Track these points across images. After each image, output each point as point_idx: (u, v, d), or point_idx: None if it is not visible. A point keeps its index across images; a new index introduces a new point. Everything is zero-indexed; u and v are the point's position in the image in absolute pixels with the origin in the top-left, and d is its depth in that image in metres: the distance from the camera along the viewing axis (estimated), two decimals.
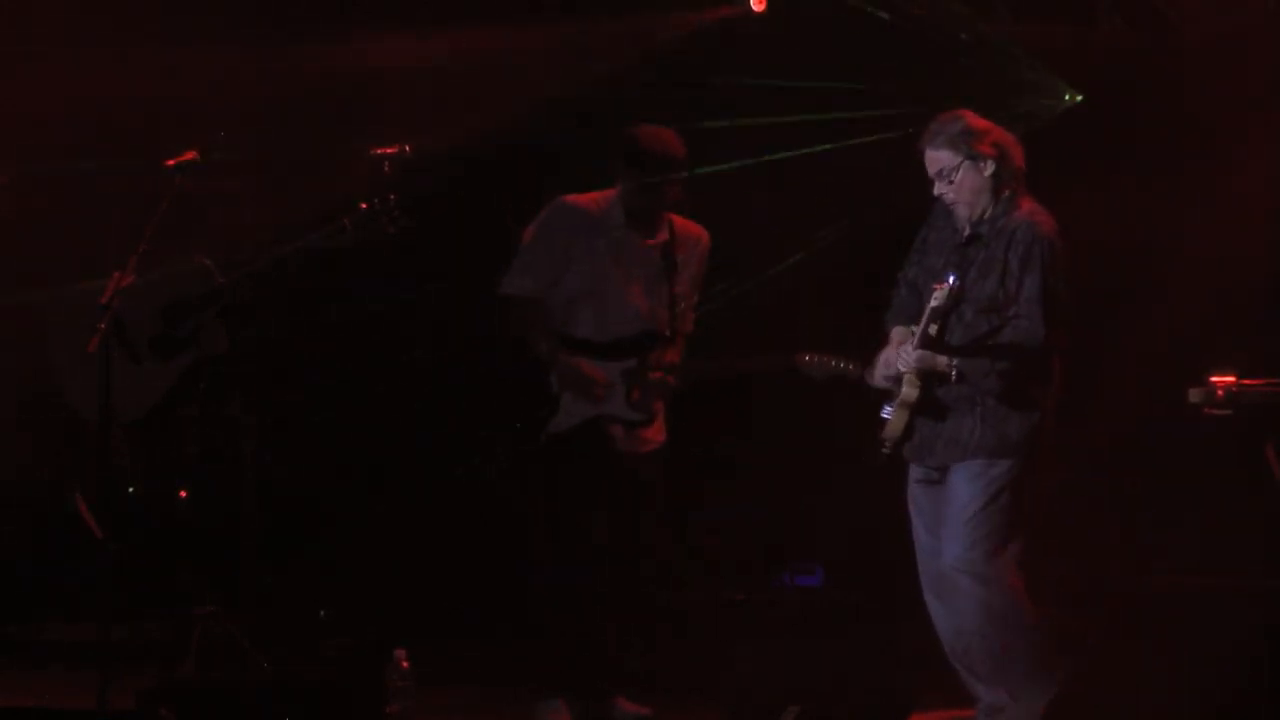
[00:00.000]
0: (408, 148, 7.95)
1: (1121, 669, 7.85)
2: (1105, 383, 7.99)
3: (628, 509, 8.01)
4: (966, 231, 7.21)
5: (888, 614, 8.66)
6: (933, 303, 7.05)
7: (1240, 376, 7.72)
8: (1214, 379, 7.76)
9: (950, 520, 7.17)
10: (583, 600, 7.96)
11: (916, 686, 7.80)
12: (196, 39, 9.62)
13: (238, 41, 9.67)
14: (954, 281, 7.04)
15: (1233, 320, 9.05)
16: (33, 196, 9.64)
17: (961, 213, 7.20)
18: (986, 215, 7.19)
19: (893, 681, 7.88)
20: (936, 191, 7.21)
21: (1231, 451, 8.13)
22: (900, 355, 7.15)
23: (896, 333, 7.28)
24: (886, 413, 7.22)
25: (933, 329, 7.08)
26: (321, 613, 9.51)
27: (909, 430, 7.21)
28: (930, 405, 7.15)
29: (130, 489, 8.84)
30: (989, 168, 7.15)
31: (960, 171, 7.15)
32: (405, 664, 7.58)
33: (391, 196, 7.95)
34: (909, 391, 7.14)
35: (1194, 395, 7.77)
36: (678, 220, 8.09)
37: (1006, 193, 7.18)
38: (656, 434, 8.07)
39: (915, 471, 7.32)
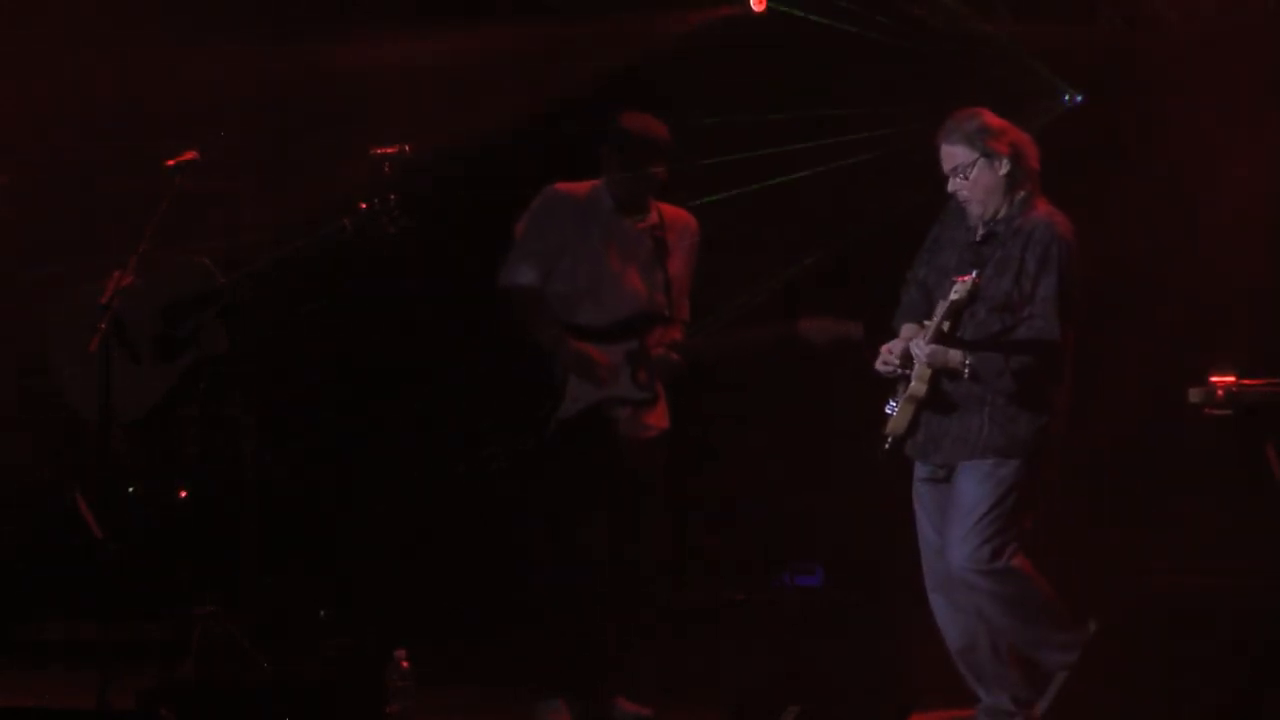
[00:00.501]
0: (407, 148, 7.94)
1: (1121, 669, 7.84)
2: (1105, 383, 7.99)
3: (629, 506, 8.01)
4: (981, 230, 7.20)
5: (888, 614, 8.66)
6: (952, 296, 7.02)
7: (1240, 376, 7.72)
8: (1214, 379, 7.76)
9: (957, 521, 7.16)
10: (583, 600, 7.96)
11: (916, 686, 7.79)
12: (196, 39, 9.62)
13: (238, 41, 9.67)
14: (976, 275, 7.02)
15: (1233, 320, 9.05)
16: (33, 196, 9.64)
17: (974, 210, 7.19)
18: (1001, 214, 7.18)
19: (893, 681, 7.88)
20: (950, 188, 7.20)
21: (1231, 451, 8.14)
22: (912, 349, 7.13)
23: (906, 330, 7.27)
24: (891, 407, 7.22)
25: (946, 325, 7.07)
26: (321, 613, 9.51)
27: (914, 425, 7.20)
28: (938, 401, 7.14)
29: (130, 489, 8.84)
30: (1004, 166, 7.14)
31: (975, 169, 7.14)
32: (405, 664, 7.58)
33: (391, 196, 7.95)
34: (918, 386, 7.13)
35: (1194, 395, 7.77)
36: (665, 207, 8.12)
37: (1022, 192, 7.17)
38: (660, 419, 8.08)
39: (921, 469, 7.31)
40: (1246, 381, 7.72)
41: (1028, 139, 7.24)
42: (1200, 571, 8.24)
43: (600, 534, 7.98)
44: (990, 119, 7.20)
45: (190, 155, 7.77)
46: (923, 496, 7.32)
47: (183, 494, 8.86)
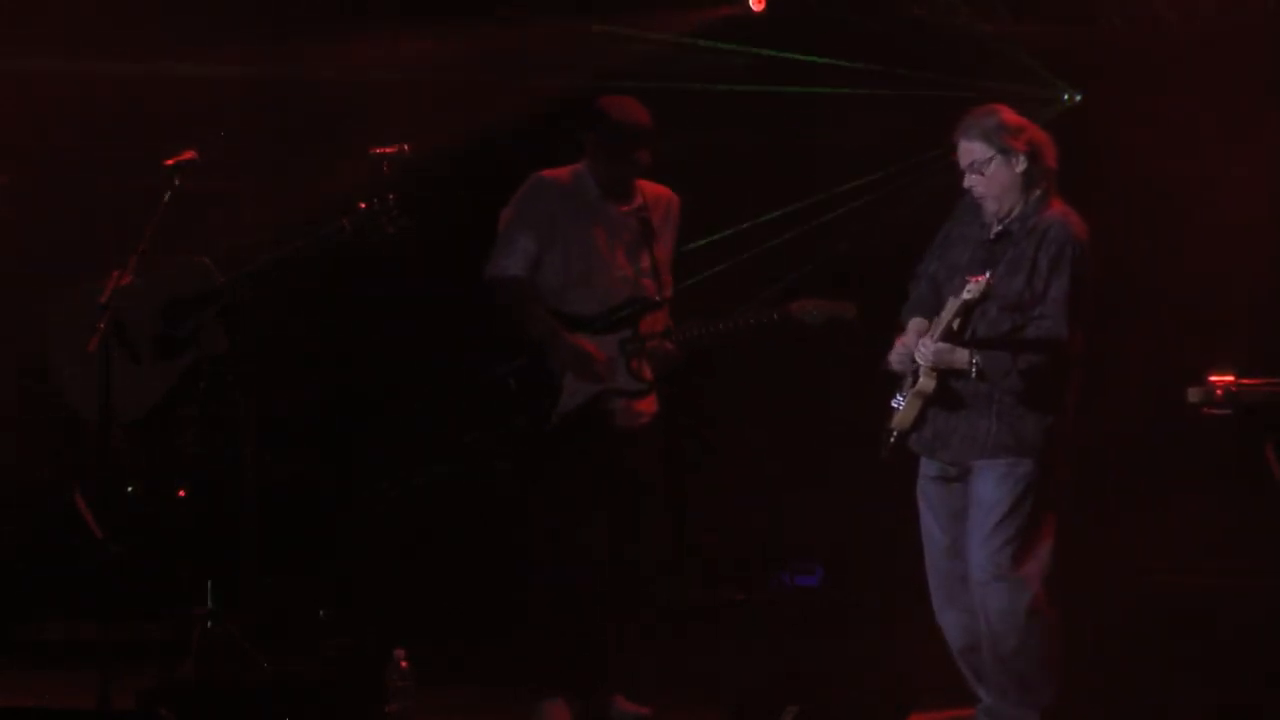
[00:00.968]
0: (407, 148, 7.94)
1: (1121, 668, 7.85)
2: (1106, 382, 7.99)
3: (629, 504, 8.01)
4: (996, 228, 7.19)
5: (888, 614, 8.66)
6: (964, 295, 7.00)
7: (1239, 376, 7.73)
8: (1214, 379, 7.76)
9: (976, 525, 7.12)
10: (582, 599, 7.96)
11: (916, 686, 7.80)
12: (195, 39, 9.62)
13: (237, 40, 9.68)
14: (990, 276, 7.01)
15: (1233, 320, 9.05)
16: (33, 196, 9.64)
17: (989, 207, 7.17)
18: (1016, 213, 7.16)
19: (893, 681, 7.88)
20: (966, 184, 7.18)
21: (1231, 451, 8.14)
22: (920, 347, 7.12)
23: (914, 324, 7.26)
24: (897, 402, 7.20)
25: (955, 323, 7.06)
26: (321, 613, 9.51)
27: (919, 421, 7.18)
28: (946, 397, 7.13)
29: (130, 489, 8.84)
30: (1020, 164, 7.12)
31: (991, 165, 7.13)
32: (405, 664, 7.57)
33: (391, 196, 7.94)
34: (925, 382, 7.11)
35: (1194, 395, 7.77)
36: (645, 184, 8.11)
37: (1038, 191, 7.15)
38: (650, 405, 8.08)
39: (929, 467, 7.28)
40: (1246, 381, 7.72)
41: (1046, 138, 7.21)
42: (1200, 571, 8.25)
43: (600, 532, 7.98)
44: (1009, 116, 7.18)
45: (190, 155, 7.77)
46: (930, 495, 7.30)
47: (182, 494, 8.85)
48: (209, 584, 8.33)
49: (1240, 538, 8.48)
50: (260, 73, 9.73)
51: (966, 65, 9.58)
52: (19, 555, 9.47)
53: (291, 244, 8.12)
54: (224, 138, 8.10)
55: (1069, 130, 9.16)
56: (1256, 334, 8.89)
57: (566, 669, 7.98)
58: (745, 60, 9.83)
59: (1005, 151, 7.12)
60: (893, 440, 7.21)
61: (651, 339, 7.99)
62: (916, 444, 7.25)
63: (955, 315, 7.05)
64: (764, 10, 9.66)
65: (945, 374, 7.09)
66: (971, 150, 7.15)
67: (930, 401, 7.14)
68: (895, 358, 7.23)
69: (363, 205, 7.95)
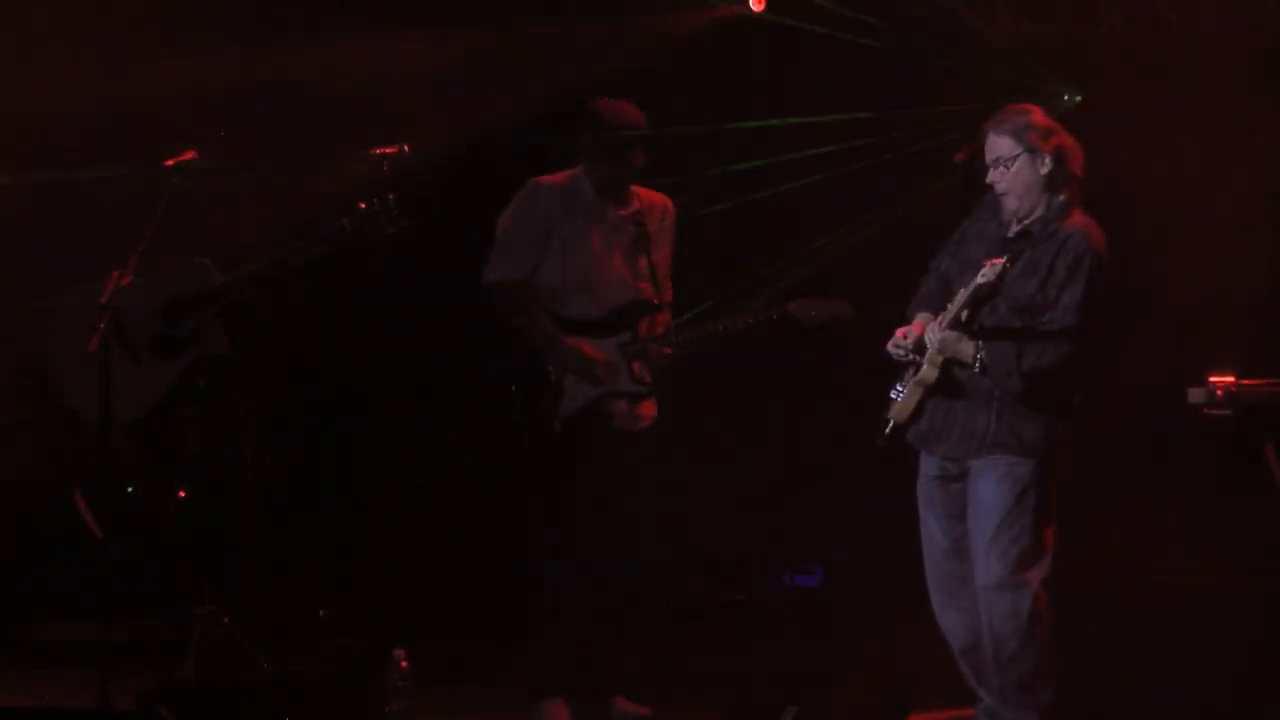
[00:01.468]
0: (407, 148, 7.94)
1: (1121, 669, 7.85)
2: (1106, 382, 7.98)
3: (630, 506, 8.01)
4: (1015, 227, 7.18)
5: (888, 614, 8.66)
6: (979, 279, 6.98)
7: (1240, 376, 7.72)
8: (1214, 379, 7.76)
9: (979, 528, 7.11)
10: (583, 600, 7.96)
11: (916, 686, 7.80)
12: (195, 41, 9.62)
13: (237, 42, 9.68)
14: (1007, 261, 7.00)
15: (1233, 320, 9.05)
16: (32, 197, 9.63)
17: (1010, 205, 7.16)
18: (1037, 214, 7.15)
19: (893, 681, 7.88)
20: (989, 179, 7.18)
21: (1231, 451, 8.14)
22: (927, 334, 7.11)
23: (920, 318, 7.24)
24: (896, 392, 7.19)
25: (965, 313, 7.05)
26: (321, 613, 9.51)
27: (918, 412, 7.17)
28: (947, 390, 7.12)
29: (130, 489, 8.84)
30: (1046, 166, 7.12)
31: (1017, 163, 7.13)
32: (405, 664, 7.58)
33: (391, 196, 7.94)
34: (928, 372, 7.10)
35: (1194, 395, 7.77)
36: (641, 190, 8.12)
37: (1061, 196, 7.14)
38: (650, 409, 8.09)
39: (930, 466, 7.27)
40: (1246, 381, 7.72)
41: (1075, 145, 7.20)
42: (1200, 571, 8.25)
43: (601, 534, 7.98)
44: (1040, 117, 7.18)
45: (189, 155, 7.77)
46: (931, 494, 7.29)
47: (182, 494, 8.85)
48: (209, 584, 8.34)
49: (1240, 538, 8.48)
50: (260, 73, 9.72)
51: (967, 65, 9.58)
52: (19, 555, 9.47)
53: (292, 244, 8.12)
54: (224, 138, 8.10)
55: (1069, 130, 9.17)
56: (1256, 334, 8.89)
57: (566, 669, 7.98)
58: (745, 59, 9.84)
59: (1032, 151, 7.11)
60: (889, 430, 7.20)
61: (650, 342, 7.99)
62: (914, 437, 7.24)
63: (966, 304, 7.04)
64: (764, 10, 9.65)
65: (948, 365, 7.09)
66: (999, 145, 7.15)
67: (931, 392, 7.14)
68: (893, 346, 7.21)
69: (363, 205, 7.95)
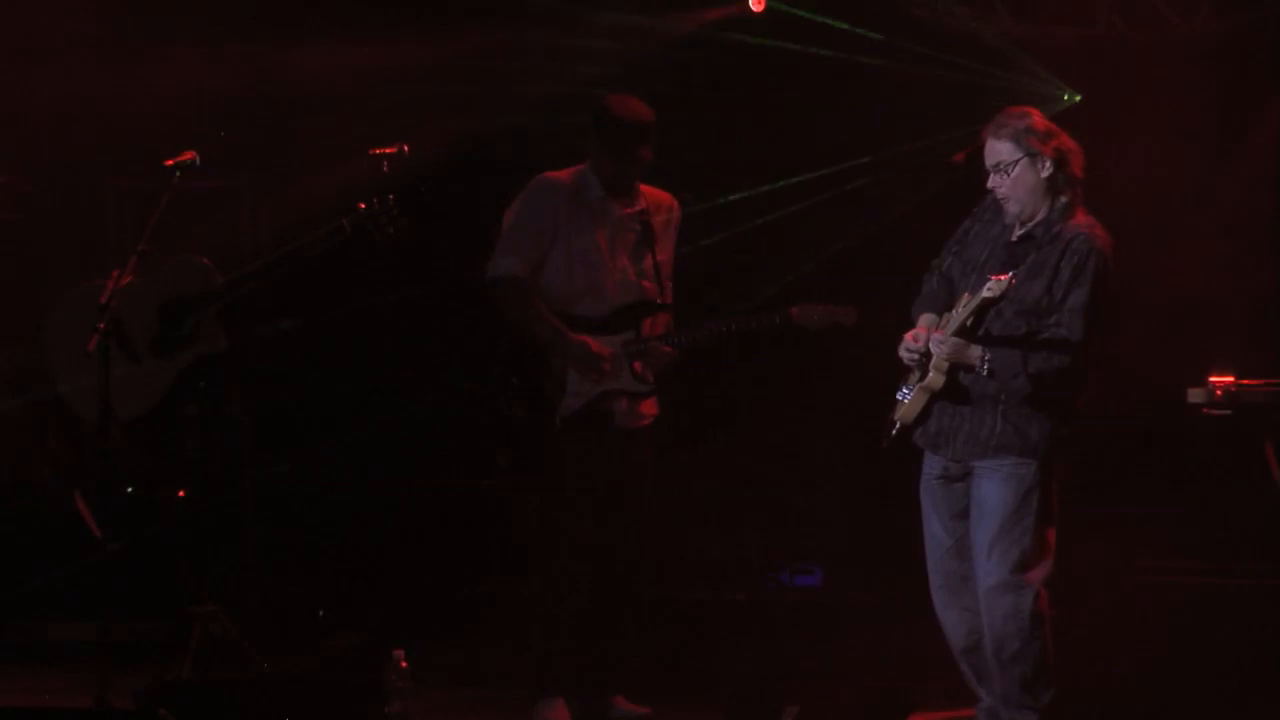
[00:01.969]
0: (406, 148, 7.94)
1: (1120, 668, 7.85)
2: (1105, 382, 7.98)
3: (630, 505, 8.01)
4: (1019, 231, 7.17)
5: (888, 614, 8.66)
6: (984, 293, 6.97)
7: (1240, 376, 7.73)
8: (1214, 379, 7.76)
9: (982, 528, 7.10)
10: (583, 599, 7.96)
11: (916, 686, 7.79)
12: (195, 42, 9.63)
13: (236, 45, 9.69)
14: (1013, 277, 6.99)
15: (1232, 320, 9.05)
16: (33, 197, 9.65)
17: (1011, 209, 7.15)
18: (1040, 217, 7.13)
19: (893, 681, 7.88)
20: (990, 184, 7.17)
21: (1231, 451, 8.14)
22: (933, 341, 7.10)
23: (924, 319, 7.24)
24: (903, 394, 7.19)
25: (970, 320, 7.04)
26: (321, 613, 9.51)
27: (924, 415, 7.17)
28: (953, 394, 7.12)
29: (130, 489, 8.84)
30: (1046, 169, 7.10)
31: (1017, 167, 7.11)
32: (405, 664, 7.57)
33: (391, 196, 7.94)
34: (934, 378, 7.09)
35: (1194, 395, 7.78)
36: (647, 190, 8.12)
37: (1063, 198, 7.12)
38: (651, 407, 8.09)
39: (933, 466, 7.26)
40: (1246, 381, 7.73)
41: (1075, 147, 7.18)
42: (1200, 571, 8.25)
43: (601, 532, 7.98)
44: (1039, 120, 7.16)
45: (189, 155, 7.77)
46: (934, 493, 7.28)
47: (182, 494, 8.86)
48: (209, 584, 8.34)
49: (1240, 537, 8.48)
50: (260, 76, 9.73)
51: (966, 65, 9.58)
52: (19, 555, 9.47)
53: (291, 244, 8.12)
54: (224, 138, 8.10)
55: (1069, 130, 9.18)
56: (1256, 334, 8.89)
57: (566, 669, 7.98)
58: (745, 58, 9.85)
59: (1032, 155, 7.09)
60: (895, 432, 7.20)
61: (653, 341, 8.00)
62: (921, 439, 7.24)
63: (971, 312, 7.03)
64: (764, 11, 9.65)
65: (954, 370, 7.09)
66: (999, 150, 7.14)
67: (937, 397, 7.14)
68: (905, 351, 7.20)
69: (362, 205, 7.95)
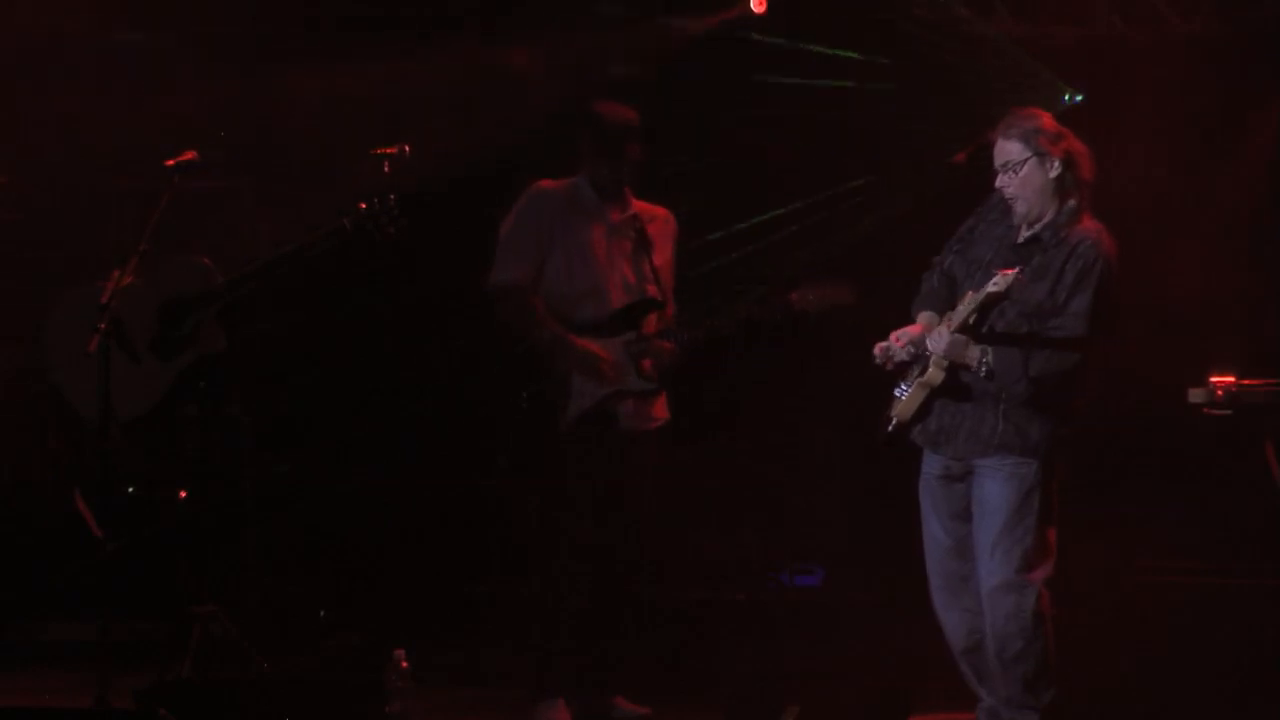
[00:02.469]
0: (407, 148, 7.94)
1: (1120, 668, 7.85)
2: (1105, 382, 7.99)
3: (634, 507, 8.01)
4: (1025, 233, 7.16)
5: (888, 614, 8.66)
6: (989, 288, 6.95)
7: (1240, 376, 7.72)
8: (1214, 379, 7.76)
9: (984, 528, 7.09)
10: (584, 599, 7.96)
11: (916, 686, 7.79)
12: (197, 38, 9.64)
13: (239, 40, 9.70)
14: (1020, 272, 6.98)
15: (1233, 320, 9.05)
16: (33, 197, 9.64)
17: (1019, 209, 7.14)
18: (1047, 220, 7.12)
19: (893, 681, 7.88)
20: (998, 184, 7.16)
21: (1231, 451, 8.14)
22: (932, 337, 7.09)
23: (924, 317, 7.23)
24: (901, 391, 7.17)
25: (973, 318, 7.03)
26: (321, 613, 9.51)
27: (921, 412, 7.16)
28: (954, 392, 7.11)
29: (130, 489, 8.84)
30: (1054, 169, 7.08)
31: (1025, 167, 7.10)
32: (405, 664, 7.57)
33: (391, 196, 7.94)
34: (934, 374, 7.07)
35: (1194, 395, 7.77)
36: (642, 205, 8.15)
37: (1071, 201, 7.11)
38: (661, 410, 8.09)
39: (933, 465, 7.25)
40: (1246, 381, 7.73)
41: (1085, 150, 7.16)
42: (1200, 571, 8.25)
43: (603, 534, 7.98)
44: (1049, 122, 7.15)
45: (190, 155, 7.78)
46: (934, 493, 7.27)
47: (183, 494, 8.86)
48: (209, 584, 8.34)
49: (1240, 537, 8.48)
50: (261, 79, 9.73)
51: (967, 65, 9.58)
52: (19, 555, 9.47)
53: (292, 244, 8.12)
54: (224, 138, 8.11)
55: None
56: (1256, 334, 8.89)
57: (567, 669, 7.98)
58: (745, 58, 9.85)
59: (1041, 155, 7.09)
60: (891, 429, 7.18)
61: (655, 338, 8.01)
62: (920, 437, 7.23)
63: (974, 309, 7.02)
64: (764, 12, 9.66)
65: (954, 368, 7.07)
66: (1008, 150, 7.13)
67: (936, 394, 7.12)
68: (881, 350, 7.18)
69: (363, 205, 7.95)
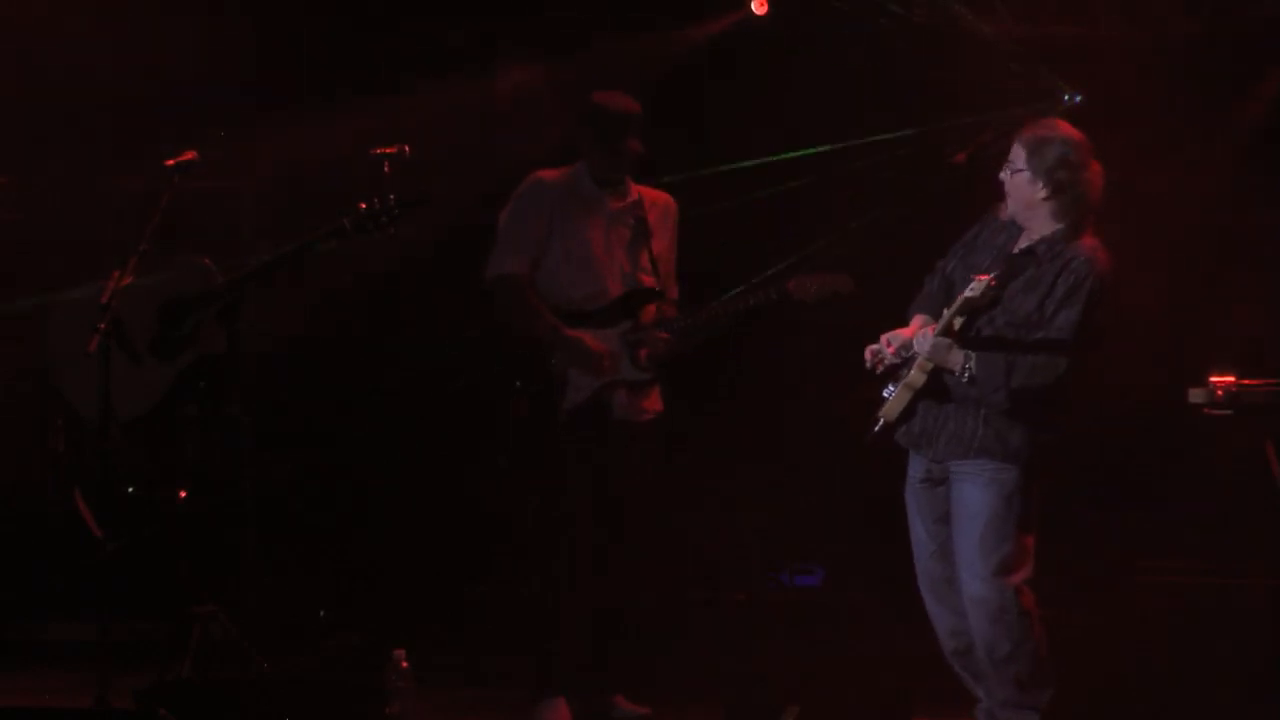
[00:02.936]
0: (407, 148, 7.94)
1: (1120, 668, 7.85)
2: (1105, 383, 7.99)
3: (632, 502, 8.01)
4: (1023, 243, 7.17)
5: (888, 614, 8.66)
6: (967, 293, 6.98)
7: (1240, 376, 7.72)
8: (1214, 379, 7.76)
9: (964, 532, 7.11)
10: (583, 599, 7.96)
11: (917, 686, 7.80)
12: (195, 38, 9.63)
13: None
14: (993, 278, 6.99)
15: (1232, 321, 9.05)
16: (33, 197, 9.64)
17: (1011, 206, 7.16)
18: (1045, 234, 7.13)
19: (892, 682, 7.88)
20: (1001, 175, 7.18)
21: (1231, 451, 8.14)
22: (917, 338, 7.10)
23: (918, 320, 7.24)
24: (889, 391, 7.19)
25: (958, 322, 7.04)
26: (321, 613, 9.51)
27: (907, 413, 7.17)
28: (936, 394, 7.12)
29: (130, 489, 8.84)
30: (1041, 193, 7.06)
31: (1019, 177, 7.11)
32: (405, 664, 7.58)
33: (391, 196, 7.94)
34: (916, 376, 7.09)
35: (1194, 395, 7.78)
36: (644, 189, 8.15)
37: (1064, 223, 7.12)
38: (655, 403, 8.09)
39: (917, 469, 7.28)
40: (1246, 381, 7.73)
41: (1092, 177, 7.12)
42: (1199, 571, 8.25)
43: (602, 530, 7.98)
44: (1062, 150, 7.06)
45: (190, 155, 7.78)
46: (918, 497, 7.30)
47: (183, 494, 8.85)
48: (209, 584, 8.34)
49: (1240, 538, 8.48)
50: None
51: (967, 66, 9.58)
52: (19, 555, 9.47)
53: (292, 244, 8.12)
54: (224, 138, 8.11)
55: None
56: (1256, 334, 8.89)
57: (566, 669, 7.98)
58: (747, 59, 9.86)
59: (1035, 174, 7.09)
60: (877, 428, 7.20)
61: (651, 328, 8.01)
62: (904, 437, 7.25)
63: (957, 314, 7.03)
64: (766, 14, 9.66)
65: (937, 371, 7.09)
66: (1014, 151, 7.15)
67: (920, 395, 7.14)
68: (871, 353, 7.19)
69: (363, 205, 7.94)
